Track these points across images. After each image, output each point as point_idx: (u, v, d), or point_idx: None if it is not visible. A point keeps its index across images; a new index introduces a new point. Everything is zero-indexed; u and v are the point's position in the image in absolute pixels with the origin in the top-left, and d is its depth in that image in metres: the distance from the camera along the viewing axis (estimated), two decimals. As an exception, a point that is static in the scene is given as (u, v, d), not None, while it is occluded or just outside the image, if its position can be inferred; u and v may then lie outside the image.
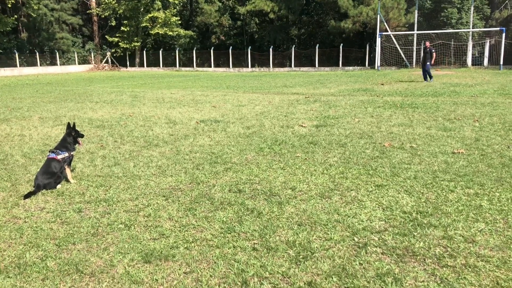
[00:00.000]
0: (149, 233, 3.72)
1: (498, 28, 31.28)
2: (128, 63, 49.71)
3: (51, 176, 4.91)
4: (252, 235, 3.63)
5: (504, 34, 29.87)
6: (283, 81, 23.95)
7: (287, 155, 6.35)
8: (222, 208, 4.24)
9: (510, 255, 3.19)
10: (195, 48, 46.55)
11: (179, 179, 5.24)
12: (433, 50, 20.25)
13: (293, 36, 48.01)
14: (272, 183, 4.99)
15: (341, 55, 37.58)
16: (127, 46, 47.08)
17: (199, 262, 3.20)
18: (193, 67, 45.67)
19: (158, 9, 46.50)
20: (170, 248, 3.42)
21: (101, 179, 5.32)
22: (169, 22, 46.27)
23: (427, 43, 20.77)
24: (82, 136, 5.56)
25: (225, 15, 48.39)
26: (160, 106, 12.67)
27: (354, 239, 3.49)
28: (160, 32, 46.04)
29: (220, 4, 48.18)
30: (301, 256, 3.24)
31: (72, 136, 5.34)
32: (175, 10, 48.02)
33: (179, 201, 4.49)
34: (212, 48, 45.00)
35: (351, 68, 36.76)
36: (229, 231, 3.70)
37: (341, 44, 37.89)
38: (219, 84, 22.27)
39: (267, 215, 4.03)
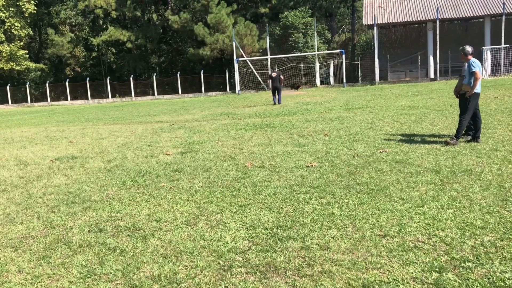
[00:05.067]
0: (-6, 292, 3.30)
1: (339, 50, 34.96)
2: (-32, 101, 44.26)
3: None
4: (114, 275, 3.44)
5: (344, 55, 33.47)
6: (146, 109, 23.53)
7: (151, 186, 6.21)
8: (81, 251, 3.96)
9: (358, 256, 3.51)
10: (48, 81, 43.38)
11: (31, 226, 4.77)
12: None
13: (153, 64, 47.67)
14: (136, 217, 4.82)
15: (202, 81, 38.34)
16: (-34, 83, 41.99)
17: (54, 315, 2.93)
18: (47, 101, 42.43)
19: (1, 42, 42.42)
20: (20, 305, 3.08)
21: None
22: (16, 56, 42.47)
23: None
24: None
25: (78, 46, 46.11)
26: (9, 147, 11.47)
27: (219, 263, 3.53)
28: (5, 68, 41.94)
29: (72, 35, 45.81)
30: (167, 289, 3.16)
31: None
32: (22, 43, 44.27)
33: (31, 250, 4.08)
34: (68, 80, 42.43)
35: (213, 93, 37.68)
36: (89, 275, 3.46)
37: (202, 70, 38.70)
38: (77, 118, 21.01)
39: (130, 252, 3.87)
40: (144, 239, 4.16)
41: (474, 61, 7.76)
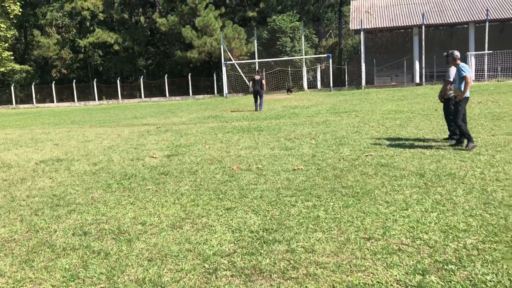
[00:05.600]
0: (-25, 297, 3.25)
1: (326, 55, 35.19)
2: (-49, 103, 43.52)
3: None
4: (98, 278, 3.42)
5: (331, 60, 33.68)
6: (133, 112, 23.40)
7: (137, 188, 6.17)
8: (64, 255, 3.92)
9: (343, 259, 3.54)
10: (33, 83, 42.86)
11: (14, 229, 4.70)
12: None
13: (141, 67, 47.40)
14: (121, 220, 4.79)
15: (190, 84, 38.22)
16: None
17: (37, 319, 2.89)
18: (33, 103, 41.92)
19: (-14, 43, 41.79)
20: (2, 310, 3.03)
21: None
22: (1, 58, 41.84)
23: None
24: None
25: (65, 48, 45.65)
26: (-9, 149, 11.30)
27: (204, 266, 3.52)
28: (-11, 70, 41.33)
29: (59, 37, 45.36)
30: (151, 293, 3.15)
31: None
32: (7, 44, 43.64)
33: (13, 253, 4.02)
34: (54, 82, 41.98)
35: (201, 96, 37.59)
36: (72, 279, 3.43)
37: (189, 73, 38.60)
38: (63, 120, 20.80)
39: (115, 255, 3.84)
40: (129, 242, 4.13)
41: (463, 65, 7.79)
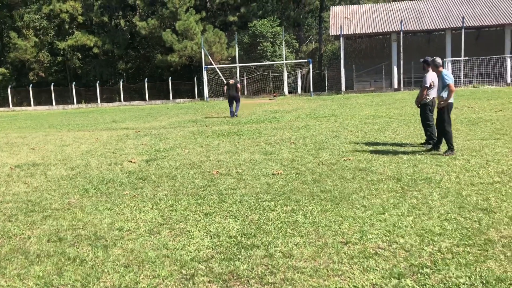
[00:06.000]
0: None
1: (306, 60, 35.45)
2: None
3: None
4: (73, 286, 3.36)
5: (311, 65, 33.95)
6: (112, 116, 23.13)
7: (114, 194, 6.10)
8: (38, 262, 3.84)
9: (320, 263, 3.55)
10: (10, 86, 42.01)
11: (-14, 236, 4.59)
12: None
13: (120, 70, 46.90)
14: (98, 226, 4.72)
15: (170, 88, 37.99)
16: None
17: (8, 328, 2.82)
18: (9, 107, 41.10)
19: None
20: (-28, 319, 2.95)
21: None
22: (-24, 60, 40.96)
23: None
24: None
25: (43, 51, 44.88)
26: (-35, 154, 11.01)
27: (182, 272, 3.50)
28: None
29: (37, 39, 44.58)
30: (127, 299, 3.11)
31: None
32: (-18, 46, 42.75)
33: (-15, 261, 3.93)
34: (31, 85, 41.23)
35: (181, 100, 37.42)
36: (46, 286, 3.36)
37: (170, 77, 38.38)
38: (40, 124, 20.43)
39: (91, 261, 3.78)
40: (105, 248, 4.08)
41: (446, 73, 7.74)
